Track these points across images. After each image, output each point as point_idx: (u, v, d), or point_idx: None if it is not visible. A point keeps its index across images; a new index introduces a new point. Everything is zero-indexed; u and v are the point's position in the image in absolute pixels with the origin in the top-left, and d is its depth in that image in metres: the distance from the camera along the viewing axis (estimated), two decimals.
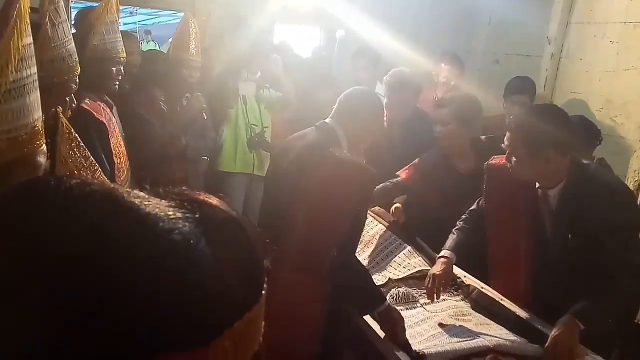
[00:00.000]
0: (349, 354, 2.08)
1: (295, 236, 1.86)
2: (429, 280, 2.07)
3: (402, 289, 2.17)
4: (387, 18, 4.09)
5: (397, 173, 2.71)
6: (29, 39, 0.75)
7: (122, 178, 2.33)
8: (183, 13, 3.16)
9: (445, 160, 2.61)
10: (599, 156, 3.06)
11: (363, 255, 2.44)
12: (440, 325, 1.91)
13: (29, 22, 0.74)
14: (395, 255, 2.40)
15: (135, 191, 0.42)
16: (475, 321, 1.97)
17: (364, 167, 1.97)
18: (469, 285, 2.21)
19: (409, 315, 2.00)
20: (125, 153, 2.38)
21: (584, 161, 1.95)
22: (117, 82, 2.33)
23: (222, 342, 0.39)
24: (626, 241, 1.79)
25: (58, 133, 0.99)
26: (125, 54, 2.31)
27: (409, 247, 2.41)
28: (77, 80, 1.53)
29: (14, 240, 0.37)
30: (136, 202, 0.40)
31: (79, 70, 1.50)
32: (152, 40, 8.72)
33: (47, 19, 1.36)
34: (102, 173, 0.81)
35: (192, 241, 0.39)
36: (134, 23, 10.02)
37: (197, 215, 0.41)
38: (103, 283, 0.35)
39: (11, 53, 0.69)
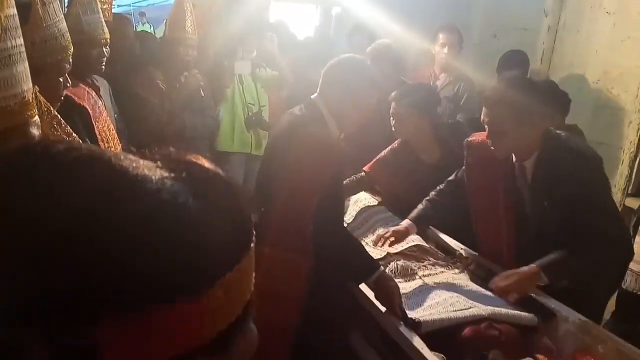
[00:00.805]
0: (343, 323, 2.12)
1: (276, 212, 1.88)
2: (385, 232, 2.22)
3: (400, 262, 2.19)
4: None
5: (363, 168, 2.69)
6: (13, 10, 0.75)
7: None
8: None
9: (409, 152, 2.59)
10: (597, 127, 3.09)
11: (361, 229, 2.47)
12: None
13: None
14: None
15: (123, 154, 0.44)
16: (472, 294, 1.99)
17: (330, 142, 1.91)
18: (467, 257, 2.24)
19: (407, 287, 2.02)
20: (115, 137, 2.34)
21: (556, 130, 1.99)
22: (102, 65, 2.26)
23: (214, 292, 0.41)
24: (602, 204, 1.84)
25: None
26: (108, 34, 2.23)
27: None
28: (71, 60, 1.53)
29: (4, 203, 0.39)
30: (124, 164, 0.42)
31: (72, 49, 1.50)
32: (147, 22, 8.65)
33: None
34: None
35: (179, 199, 0.41)
36: (128, 5, 9.94)
37: (183, 174, 0.43)
38: (95, 241, 0.37)
39: None
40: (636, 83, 3.07)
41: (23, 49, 0.77)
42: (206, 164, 0.47)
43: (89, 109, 2.15)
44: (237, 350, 0.46)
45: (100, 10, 2.19)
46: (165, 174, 0.42)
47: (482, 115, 1.98)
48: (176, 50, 2.92)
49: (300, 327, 1.92)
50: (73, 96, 2.06)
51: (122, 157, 0.43)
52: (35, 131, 0.79)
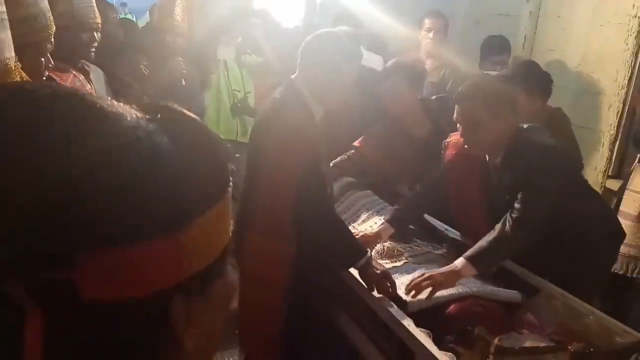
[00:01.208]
0: (331, 305, 2.14)
1: (258, 198, 1.87)
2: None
3: (386, 244, 2.22)
4: None
5: (353, 144, 2.67)
6: None
7: None
8: None
9: (399, 127, 2.60)
10: (578, 111, 3.13)
11: (347, 214, 2.49)
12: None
13: None
14: (380, 214, 2.45)
15: (100, 96, 0.44)
16: None
17: (304, 124, 1.85)
18: (453, 238, 2.28)
19: (393, 268, 2.05)
20: None
21: (524, 126, 2.00)
22: (92, 50, 2.25)
23: (190, 231, 0.41)
24: (536, 188, 1.85)
25: None
26: (99, 20, 2.23)
27: (390, 207, 2.46)
28: (53, 40, 1.51)
29: None
30: (100, 102, 0.42)
31: (54, 29, 1.49)
32: (130, 13, 8.55)
33: None
34: None
35: (155, 137, 0.41)
36: None
37: (158, 116, 0.43)
38: (69, 178, 0.36)
39: None
40: (615, 67, 3.13)
41: (5, 16, 0.77)
42: (185, 111, 0.48)
43: None
44: (214, 293, 0.47)
45: None
46: (141, 115, 0.43)
47: (455, 114, 1.97)
48: (162, 37, 2.89)
49: (288, 311, 1.91)
50: (56, 78, 2.05)
51: (97, 97, 0.43)
52: None
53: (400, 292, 1.85)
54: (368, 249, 1.98)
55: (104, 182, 0.37)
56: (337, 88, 1.93)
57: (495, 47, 3.23)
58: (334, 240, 1.94)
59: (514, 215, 1.84)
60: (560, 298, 1.83)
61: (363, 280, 1.88)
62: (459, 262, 1.87)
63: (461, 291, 1.85)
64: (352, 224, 2.38)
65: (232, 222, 0.48)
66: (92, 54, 2.27)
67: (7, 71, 0.76)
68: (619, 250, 2.34)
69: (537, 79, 2.55)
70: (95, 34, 2.22)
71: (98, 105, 0.41)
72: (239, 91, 3.42)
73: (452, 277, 1.85)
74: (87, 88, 2.25)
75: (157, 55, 2.92)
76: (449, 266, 1.88)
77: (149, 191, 0.39)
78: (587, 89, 3.32)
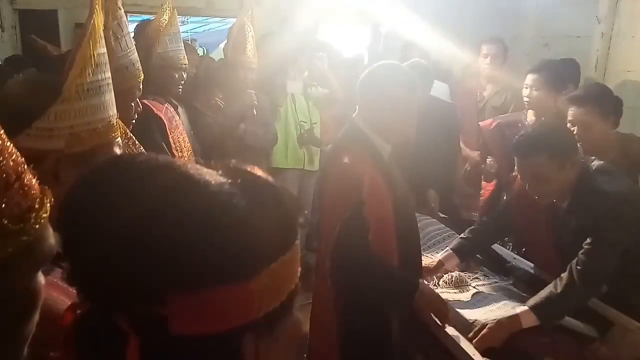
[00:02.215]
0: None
1: (320, 240, 1.92)
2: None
3: (454, 274, 2.21)
4: (430, 10, 4.12)
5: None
6: (103, 49, 0.90)
7: None
8: (236, 17, 3.31)
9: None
10: None
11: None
12: None
13: (102, 35, 0.90)
14: (445, 242, 2.44)
15: (191, 163, 0.54)
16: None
17: (351, 171, 1.74)
18: (522, 268, 2.23)
19: (463, 297, 2.03)
20: (189, 148, 2.57)
21: (593, 165, 1.90)
22: (180, 87, 2.51)
23: (260, 280, 0.50)
24: (605, 240, 1.75)
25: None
26: (187, 61, 2.50)
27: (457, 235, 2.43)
28: (141, 87, 1.69)
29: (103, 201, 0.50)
30: (191, 171, 0.52)
31: (142, 76, 1.67)
32: (200, 47, 9.02)
33: (110, 33, 1.55)
34: None
35: (234, 200, 0.51)
36: (186, 32, 10.43)
37: (239, 181, 0.53)
38: (166, 235, 0.47)
39: (88, 59, 0.85)
40: None
41: (110, 80, 0.91)
42: (259, 173, 0.57)
43: (164, 120, 2.41)
44: (282, 331, 0.55)
45: (181, 39, 2.47)
46: (224, 180, 0.52)
47: (516, 168, 1.92)
48: (235, 73, 3.08)
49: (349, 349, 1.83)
50: (152, 107, 2.32)
51: (189, 166, 0.53)
52: (118, 150, 0.92)
53: (474, 314, 1.83)
54: (422, 280, 1.93)
55: (192, 240, 0.48)
56: (400, 122, 1.84)
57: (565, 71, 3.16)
58: (377, 283, 1.79)
59: (579, 268, 1.76)
60: (637, 332, 1.75)
61: (420, 308, 1.82)
62: (522, 311, 1.77)
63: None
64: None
65: (299, 267, 0.57)
66: (180, 90, 2.53)
67: (110, 127, 0.89)
68: None
69: (610, 102, 2.42)
70: (182, 73, 2.50)
71: (189, 173, 0.52)
72: (305, 122, 3.55)
73: (513, 326, 1.74)
74: (177, 119, 2.54)
75: (230, 89, 3.11)
76: (510, 315, 1.77)
77: (228, 247, 0.49)
78: None
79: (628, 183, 1.91)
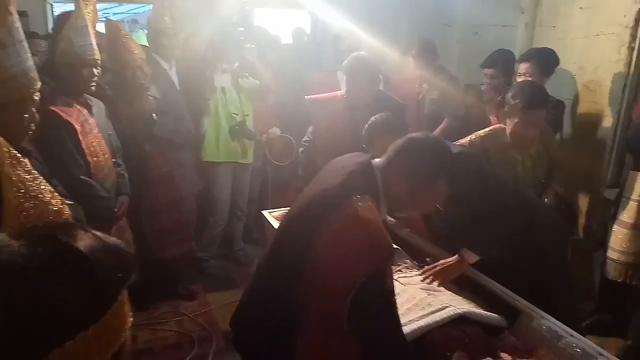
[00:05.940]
0: None
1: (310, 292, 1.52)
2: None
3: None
4: None
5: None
6: None
7: (100, 176, 2.42)
8: None
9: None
10: (574, 120, 3.17)
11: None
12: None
13: None
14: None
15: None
16: (446, 296, 2.05)
17: (382, 239, 1.47)
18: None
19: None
20: (106, 152, 2.46)
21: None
22: (92, 85, 2.38)
23: (72, 345, 0.52)
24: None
25: None
26: (98, 56, 2.35)
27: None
28: (35, 97, 1.60)
29: None
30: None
31: (39, 85, 1.57)
32: (141, 29, 8.72)
33: None
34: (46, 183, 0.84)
35: (38, 275, 0.52)
36: (125, 12, 10.04)
37: (45, 252, 0.54)
38: None
39: None
40: (610, 77, 3.12)
41: None
42: (75, 242, 0.57)
43: (75, 125, 2.29)
44: None
45: (91, 33, 2.32)
46: (27, 252, 0.53)
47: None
48: (160, 41, 3.18)
49: None
50: (60, 112, 2.22)
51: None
52: None
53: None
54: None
55: None
56: (412, 207, 1.74)
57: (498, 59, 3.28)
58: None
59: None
60: (539, 319, 1.85)
61: None
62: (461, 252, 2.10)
63: (452, 313, 1.83)
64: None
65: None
66: (93, 88, 2.41)
67: None
68: (568, 242, 2.47)
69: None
70: (94, 69, 2.35)
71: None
72: (237, 114, 3.51)
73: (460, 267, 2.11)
74: (90, 122, 2.40)
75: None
76: (452, 258, 2.13)
77: (36, 319, 0.51)
78: (584, 98, 3.32)
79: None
